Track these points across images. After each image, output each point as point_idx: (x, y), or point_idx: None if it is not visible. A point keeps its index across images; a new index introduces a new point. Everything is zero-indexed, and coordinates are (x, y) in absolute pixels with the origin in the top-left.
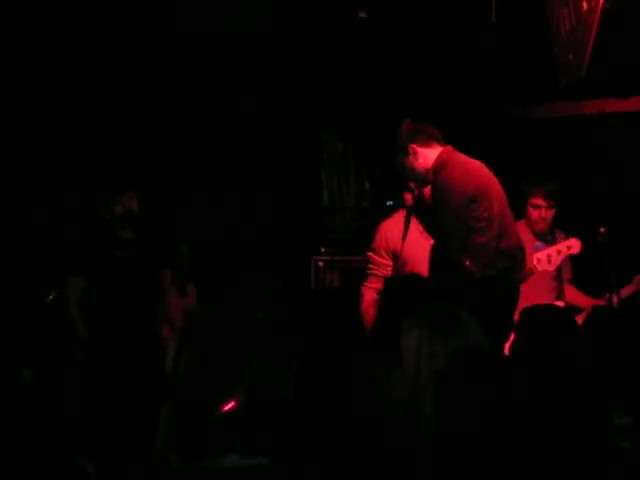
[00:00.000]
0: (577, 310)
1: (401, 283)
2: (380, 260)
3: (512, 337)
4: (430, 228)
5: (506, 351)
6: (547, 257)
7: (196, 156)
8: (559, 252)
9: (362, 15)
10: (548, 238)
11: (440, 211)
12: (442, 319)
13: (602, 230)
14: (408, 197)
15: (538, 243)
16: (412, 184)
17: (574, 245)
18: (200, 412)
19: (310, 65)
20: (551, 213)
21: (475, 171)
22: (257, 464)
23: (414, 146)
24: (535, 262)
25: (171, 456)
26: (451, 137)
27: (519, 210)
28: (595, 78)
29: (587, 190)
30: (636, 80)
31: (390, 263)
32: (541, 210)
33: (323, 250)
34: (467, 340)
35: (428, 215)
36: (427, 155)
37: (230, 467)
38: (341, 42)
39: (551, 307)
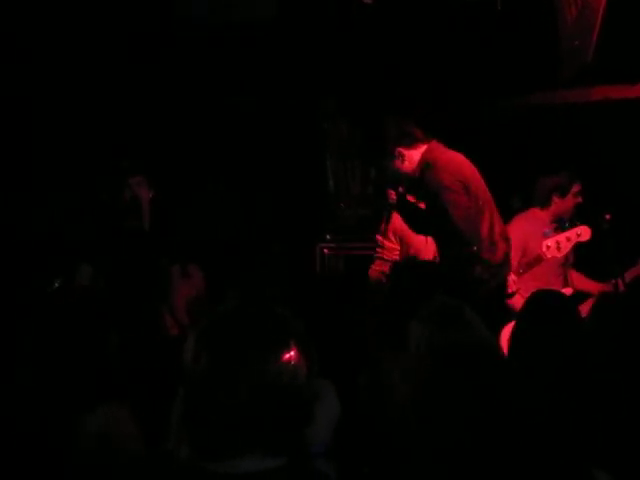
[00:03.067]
0: (584, 295)
1: (409, 268)
2: (388, 244)
3: (514, 323)
4: (419, 227)
5: (506, 337)
6: (556, 244)
7: (201, 147)
8: (568, 239)
9: (367, 1)
10: (557, 226)
11: (450, 217)
12: (445, 312)
13: (607, 217)
14: (391, 194)
15: (547, 230)
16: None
17: (584, 232)
18: (219, 413)
19: (314, 54)
20: None
21: (460, 165)
22: (277, 466)
23: (400, 149)
24: (544, 249)
25: (181, 453)
26: (455, 124)
27: (525, 198)
28: (601, 64)
29: (593, 177)
30: None
31: (397, 247)
32: (579, 196)
33: (328, 237)
34: (469, 333)
35: (412, 214)
36: (412, 156)
37: (249, 471)
38: (345, 31)
39: (555, 294)
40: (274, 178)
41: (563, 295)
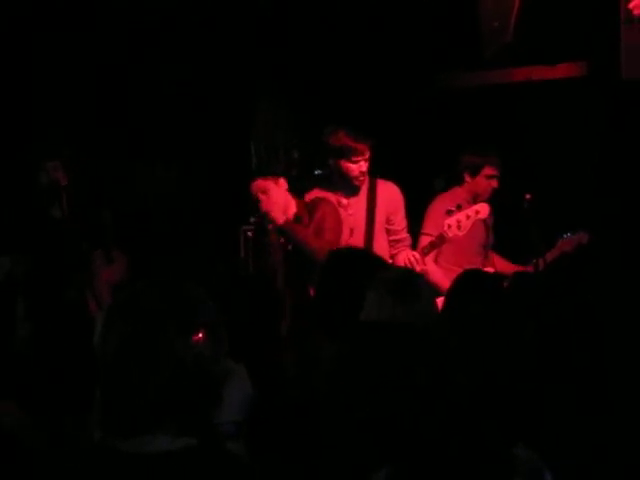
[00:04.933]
0: (504, 277)
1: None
2: None
3: (442, 302)
4: None
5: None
6: (457, 222)
7: (125, 124)
8: (468, 217)
9: None
10: (464, 204)
11: None
12: (397, 284)
13: (528, 197)
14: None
15: (451, 208)
16: None
17: (482, 209)
18: (126, 392)
19: (247, 33)
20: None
21: None
22: (187, 446)
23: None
24: (446, 228)
25: (95, 434)
26: (376, 110)
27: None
28: (521, 45)
29: (514, 157)
30: (562, 47)
31: None
32: (493, 180)
33: (252, 220)
34: (418, 306)
35: None
36: None
37: (158, 450)
38: (278, 11)
39: (480, 273)
40: (197, 160)
41: (490, 274)
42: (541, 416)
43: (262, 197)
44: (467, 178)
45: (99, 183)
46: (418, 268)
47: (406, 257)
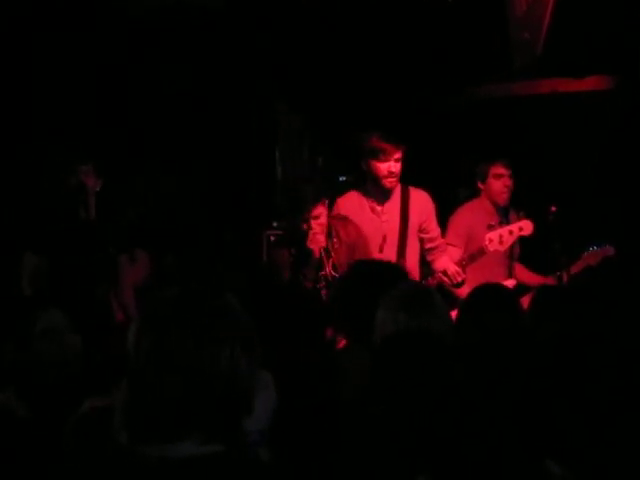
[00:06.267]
0: (526, 288)
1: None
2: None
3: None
4: None
5: None
6: (499, 237)
7: (153, 132)
8: (511, 233)
9: None
10: (502, 219)
11: None
12: (413, 296)
13: (553, 209)
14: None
15: (492, 223)
16: None
17: (526, 226)
18: (157, 397)
19: (267, 40)
20: (512, 182)
21: None
22: (214, 452)
23: None
24: (487, 242)
25: (121, 437)
26: (403, 119)
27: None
28: (550, 58)
29: (539, 169)
30: (590, 60)
31: None
32: (504, 178)
33: (275, 225)
34: (433, 318)
35: None
36: None
37: (185, 455)
38: (298, 18)
39: (496, 287)
40: (222, 164)
41: (505, 289)
42: (565, 433)
43: (314, 223)
44: (480, 186)
45: (122, 189)
46: (459, 278)
47: (448, 269)
